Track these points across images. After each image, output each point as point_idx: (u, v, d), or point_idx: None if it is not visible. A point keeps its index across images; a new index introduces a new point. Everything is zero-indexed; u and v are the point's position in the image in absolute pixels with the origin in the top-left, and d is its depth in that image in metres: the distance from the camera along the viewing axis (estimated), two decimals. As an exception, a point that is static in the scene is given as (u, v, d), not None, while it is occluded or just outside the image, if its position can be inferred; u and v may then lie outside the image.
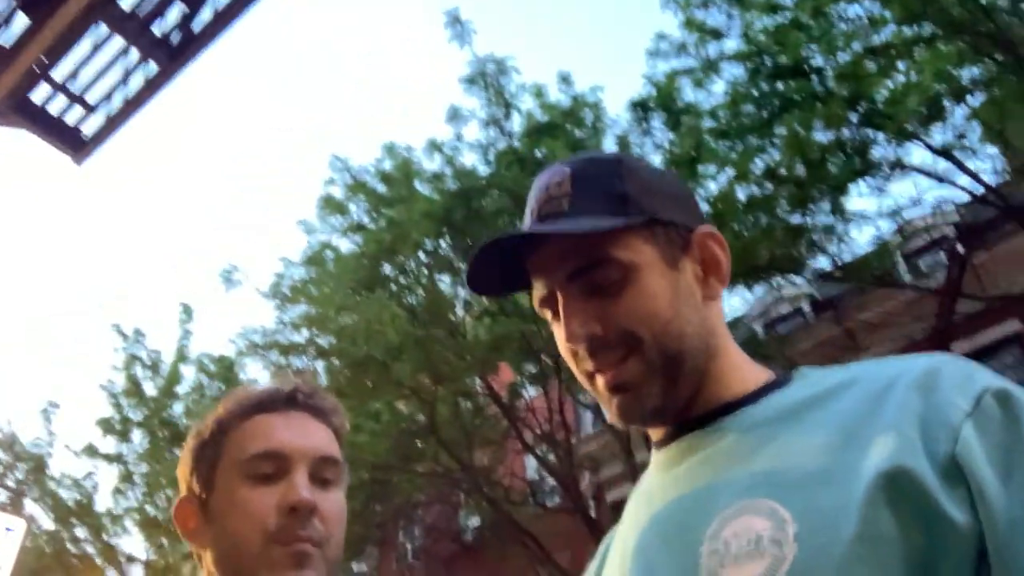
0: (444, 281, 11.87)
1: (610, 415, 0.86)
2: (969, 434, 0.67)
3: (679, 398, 0.84)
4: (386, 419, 12.00)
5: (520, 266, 0.89)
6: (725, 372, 0.86)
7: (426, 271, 11.83)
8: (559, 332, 0.86)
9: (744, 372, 0.87)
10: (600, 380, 0.84)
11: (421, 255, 11.58)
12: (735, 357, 0.88)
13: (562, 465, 12.01)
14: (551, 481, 13.43)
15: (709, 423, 0.84)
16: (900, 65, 8.71)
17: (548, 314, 0.88)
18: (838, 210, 9.50)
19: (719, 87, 9.57)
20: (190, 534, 1.03)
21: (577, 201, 0.85)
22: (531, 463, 14.28)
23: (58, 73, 3.80)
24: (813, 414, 0.77)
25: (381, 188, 11.96)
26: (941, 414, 0.69)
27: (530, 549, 11.91)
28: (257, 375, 12.65)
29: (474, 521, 16.10)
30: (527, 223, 0.89)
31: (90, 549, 15.73)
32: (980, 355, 11.09)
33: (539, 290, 0.87)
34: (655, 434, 0.90)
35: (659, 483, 0.86)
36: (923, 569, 0.65)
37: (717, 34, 9.42)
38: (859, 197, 9.71)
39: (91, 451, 15.31)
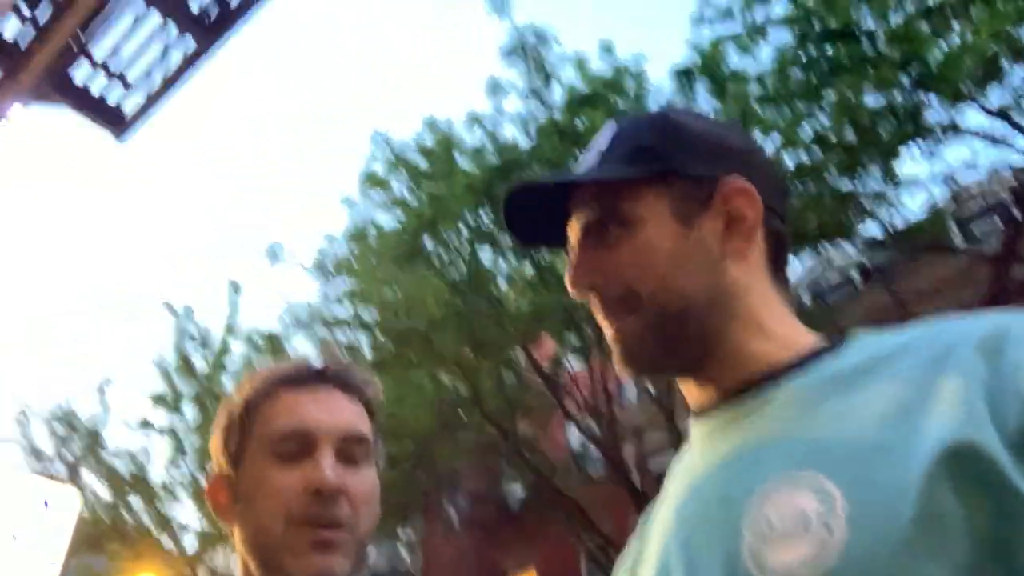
0: (485, 254, 11.86)
1: (615, 363, 0.86)
2: None
3: (681, 356, 0.82)
4: (429, 390, 12.10)
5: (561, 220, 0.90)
6: (754, 336, 0.80)
7: (468, 244, 11.82)
8: (566, 279, 0.87)
9: (787, 337, 0.81)
10: (606, 330, 0.85)
11: (462, 228, 11.56)
12: (771, 320, 0.82)
13: (605, 435, 12.00)
14: (594, 451, 13.45)
15: (751, 391, 0.78)
16: (955, 25, 8.38)
17: None
18: (889, 176, 9.24)
19: (766, 53, 9.33)
20: (221, 511, 1.02)
21: (606, 155, 0.85)
22: (574, 433, 14.31)
23: (98, 51, 3.83)
24: (867, 381, 0.70)
25: (422, 163, 11.95)
26: (1009, 380, 0.62)
27: (572, 517, 11.97)
28: (303, 349, 12.83)
29: (517, 489, 16.23)
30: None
31: (145, 518, 16.22)
32: (1037, 323, 10.78)
33: (570, 240, 0.88)
34: (694, 403, 0.85)
35: (700, 455, 0.82)
36: (994, 549, 0.59)
37: (763, -3, 9.17)
38: (911, 162, 9.44)
39: (145, 425, 15.73)
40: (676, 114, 0.89)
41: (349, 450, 0.98)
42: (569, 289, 0.86)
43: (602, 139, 0.88)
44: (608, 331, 0.84)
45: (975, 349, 0.66)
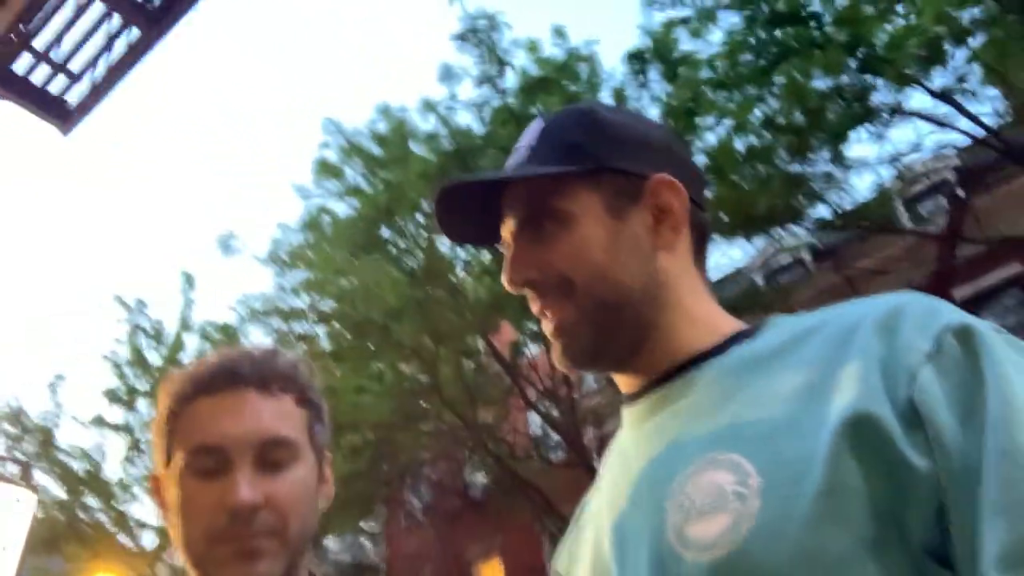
0: (443, 242, 11.83)
1: (554, 357, 0.87)
2: (928, 377, 0.65)
3: (617, 346, 0.84)
4: (389, 380, 12.06)
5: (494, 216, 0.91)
6: (681, 325, 0.84)
7: (424, 232, 11.78)
8: (503, 277, 0.89)
9: (711, 324, 0.85)
10: (543, 324, 0.86)
11: (419, 216, 11.52)
12: (696, 310, 0.86)
13: (565, 420, 12.10)
14: (555, 437, 13.55)
15: (677, 375, 0.82)
16: (899, 8, 8.55)
17: None
18: (838, 158, 9.41)
19: (716, 36, 9.43)
20: (161, 508, 1.02)
21: (536, 153, 0.86)
22: (535, 419, 14.39)
23: (39, 42, 3.72)
24: (780, 361, 0.75)
25: (376, 150, 11.86)
26: (901, 357, 0.66)
27: (535, 503, 12.06)
28: (259, 341, 12.68)
29: (479, 477, 16.28)
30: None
31: (102, 517, 15.93)
32: (982, 299, 11.10)
33: (503, 237, 0.90)
34: (625, 389, 0.89)
35: (630, 439, 0.86)
36: (890, 519, 0.63)
37: (713, -18, 9.24)
38: (859, 144, 9.61)
39: (98, 422, 15.43)
40: (602, 110, 0.90)
41: (269, 456, 0.95)
42: (506, 285, 0.87)
43: (530, 136, 0.89)
44: (546, 324, 0.86)
45: (873, 329, 0.70)
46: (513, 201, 0.87)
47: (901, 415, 0.64)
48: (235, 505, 0.91)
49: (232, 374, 0.98)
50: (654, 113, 10.05)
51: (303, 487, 0.98)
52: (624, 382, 0.88)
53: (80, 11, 3.69)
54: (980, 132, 9.43)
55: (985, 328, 0.68)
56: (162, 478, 1.02)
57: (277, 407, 0.98)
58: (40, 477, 15.44)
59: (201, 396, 0.98)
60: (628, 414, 0.88)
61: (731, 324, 0.85)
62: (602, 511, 0.84)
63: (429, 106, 11.50)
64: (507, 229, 0.88)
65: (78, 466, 15.76)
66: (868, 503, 0.63)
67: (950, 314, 0.69)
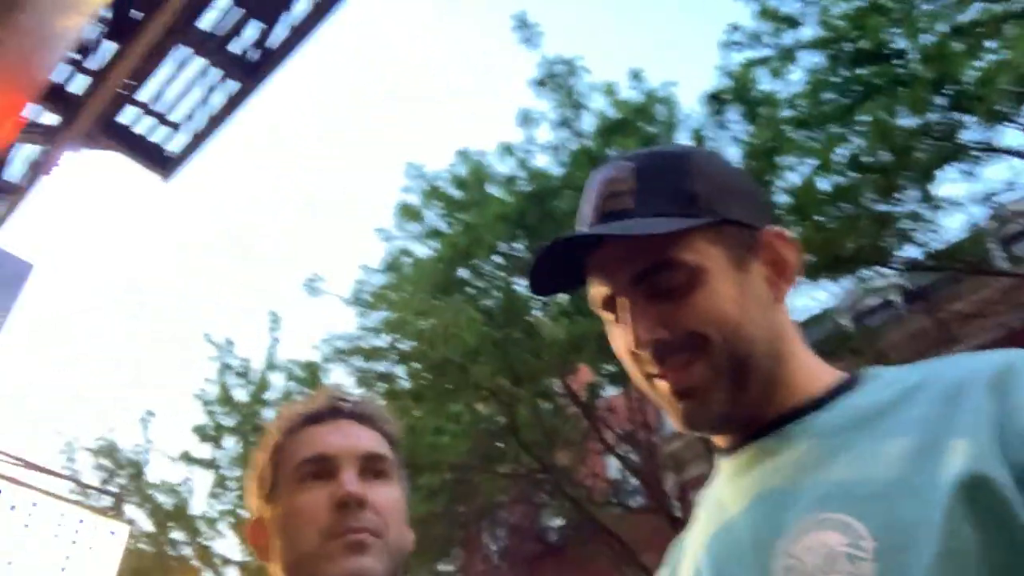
0: (520, 283, 11.88)
1: (675, 422, 0.83)
2: None
3: (748, 404, 0.80)
4: (466, 420, 12.08)
5: (577, 263, 0.86)
6: (795, 376, 0.82)
7: (502, 273, 11.86)
8: (619, 334, 0.84)
9: (814, 374, 0.83)
10: (663, 385, 0.82)
11: (496, 258, 11.61)
12: (805, 360, 0.84)
13: (645, 465, 11.88)
14: (634, 481, 13.30)
15: (777, 429, 0.80)
16: (989, 44, 8.30)
17: (608, 316, 0.86)
18: (927, 197, 9.12)
19: (797, 76, 9.31)
20: (260, 552, 1.08)
21: (643, 199, 0.82)
22: (613, 463, 14.16)
23: (143, 95, 3.96)
24: (887, 421, 0.73)
25: (455, 193, 12.06)
26: (1015, 416, 0.64)
27: (614, 550, 11.82)
28: (341, 380, 12.90)
29: (557, 521, 16.07)
30: (586, 219, 0.86)
31: (187, 551, 16.32)
32: (1086, 344, 10.51)
33: (600, 291, 0.85)
34: (721, 440, 0.86)
35: (729, 492, 0.83)
36: None
37: (793, 22, 9.15)
38: (949, 183, 9.28)
39: (187, 458, 15.87)
40: (701, 156, 0.88)
41: (370, 467, 1.06)
42: (634, 346, 0.82)
43: (623, 178, 0.84)
44: (666, 385, 0.81)
45: (985, 386, 0.68)
46: (624, 253, 0.82)
47: (1018, 478, 0.62)
48: (344, 495, 1.00)
49: (334, 408, 1.11)
50: (734, 153, 9.96)
51: (400, 503, 1.07)
52: (723, 437, 0.86)
53: (182, 65, 3.91)
54: (1079, 168, 9.02)
55: None
56: (257, 522, 1.08)
57: (374, 435, 1.10)
58: (130, 510, 15.97)
59: (307, 426, 1.09)
60: (726, 464, 0.86)
61: (831, 374, 0.84)
62: (699, 562, 0.82)
63: (507, 150, 11.65)
64: (613, 283, 0.83)
65: (166, 500, 16.22)
66: (986, 568, 0.61)
67: None
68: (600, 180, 0.86)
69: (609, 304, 0.85)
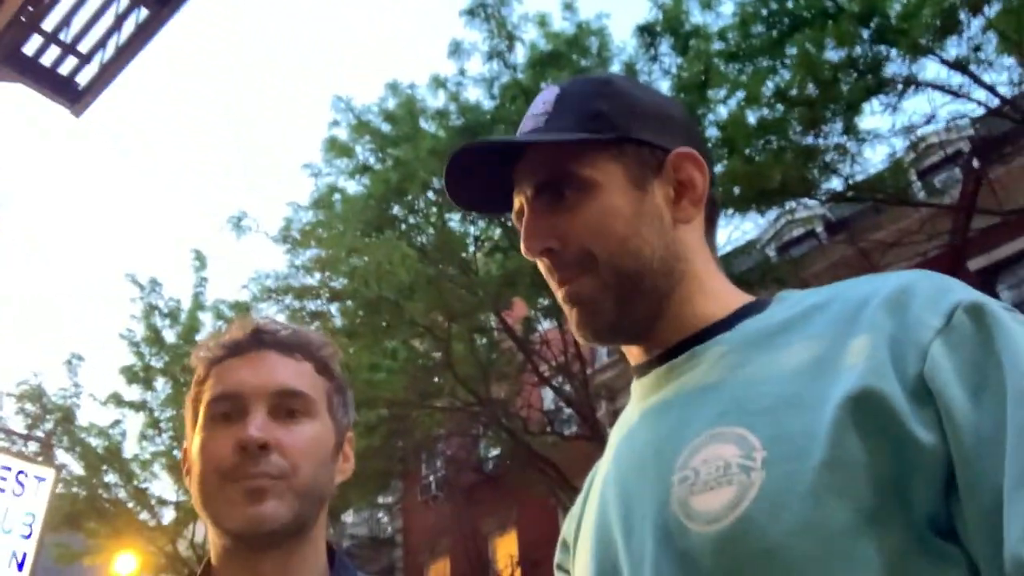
0: (454, 219, 11.81)
1: (571, 328, 0.87)
2: (938, 352, 0.65)
3: (634, 317, 0.83)
4: (403, 357, 12.11)
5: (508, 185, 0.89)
6: (695, 297, 0.84)
7: (435, 209, 11.77)
8: (522, 244, 0.87)
9: (721, 298, 0.85)
10: (560, 293, 0.85)
11: (430, 194, 11.50)
12: (709, 283, 0.86)
13: (578, 395, 12.13)
14: (568, 411, 13.60)
15: (683, 350, 0.83)
16: (913, -24, 8.41)
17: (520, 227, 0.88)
18: (851, 130, 9.31)
19: (727, 8, 9.33)
20: (186, 479, 1.06)
21: (553, 119, 0.85)
22: (548, 395, 14.44)
23: (48, 23, 3.74)
24: (786, 338, 0.75)
25: (386, 128, 11.82)
26: (911, 333, 0.67)
27: (549, 476, 12.14)
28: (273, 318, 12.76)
29: (494, 452, 16.38)
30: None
31: (122, 494, 16.15)
32: (997, 270, 11.02)
33: (515, 204, 0.88)
34: (634, 361, 0.89)
35: (637, 412, 0.86)
36: (892, 493, 0.64)
37: (723, -48, 9.12)
38: (872, 116, 9.47)
39: (116, 399, 15.58)
40: (620, 81, 0.90)
41: (284, 405, 1.01)
42: (524, 252, 0.86)
43: (545, 102, 0.87)
44: (561, 294, 0.85)
45: (882, 305, 0.70)
46: (531, 167, 0.85)
47: (910, 391, 0.64)
48: (243, 439, 0.96)
49: (257, 339, 1.06)
50: (665, 86, 9.97)
51: (315, 442, 1.02)
52: (633, 354, 0.89)
53: (88, -8, 3.70)
54: (996, 102, 9.30)
55: (996, 305, 0.68)
56: (184, 451, 1.07)
57: (296, 366, 1.05)
58: (61, 456, 15.68)
59: (228, 358, 1.05)
60: (636, 386, 0.88)
61: (740, 298, 0.86)
62: (608, 483, 0.85)
63: (438, 82, 11.43)
64: (522, 195, 0.87)
65: (97, 444, 15.96)
66: (870, 476, 0.64)
67: (961, 291, 0.69)
68: (531, 107, 0.90)
69: (520, 216, 0.88)
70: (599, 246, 0.81)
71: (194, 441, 1.02)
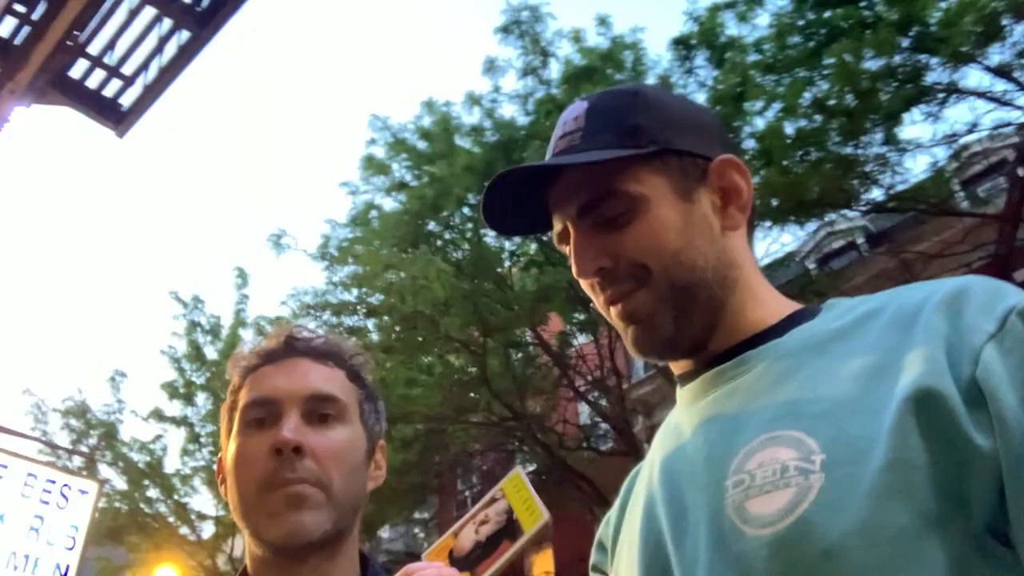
0: (489, 235, 11.83)
1: (628, 346, 0.86)
2: (991, 356, 0.65)
3: (693, 329, 0.82)
4: (438, 372, 12.14)
5: (544, 206, 0.88)
6: (747, 305, 0.84)
7: (471, 225, 11.81)
8: (573, 267, 0.86)
9: (770, 305, 0.85)
10: (614, 311, 0.84)
11: (465, 210, 11.55)
12: (759, 290, 0.85)
13: (614, 410, 12.05)
14: (604, 426, 13.51)
15: (733, 356, 0.81)
16: (953, -16, 8.30)
17: (565, 249, 0.87)
18: (891, 139, 9.18)
19: (763, 20, 9.27)
20: (221, 488, 1.06)
21: (589, 135, 0.84)
22: (584, 409, 14.36)
23: (93, 47, 3.83)
24: (841, 344, 0.74)
25: (422, 145, 11.92)
26: (965, 336, 0.66)
27: (585, 492, 12.05)
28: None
29: (530, 467, 16.32)
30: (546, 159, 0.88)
31: (162, 508, 16.36)
32: (1044, 282, 10.75)
33: (556, 226, 0.87)
34: (678, 369, 0.88)
35: (685, 417, 0.85)
36: (952, 495, 0.63)
37: (760, -35, 9.08)
38: (913, 125, 9.33)
39: (158, 415, 15.83)
40: (650, 91, 0.88)
41: (316, 410, 1.01)
42: (576, 274, 0.84)
43: (575, 118, 0.86)
44: (615, 312, 0.84)
45: (938, 310, 0.69)
46: (572, 187, 0.84)
47: (965, 394, 0.64)
48: (278, 441, 0.95)
49: (291, 346, 1.06)
50: (701, 98, 9.92)
51: (348, 447, 1.02)
52: (680, 364, 0.88)
53: (132, 16, 3.78)
54: (1041, 109, 9.11)
55: None
56: (219, 460, 1.07)
57: (328, 372, 1.05)
58: (104, 470, 15.94)
59: (262, 366, 1.05)
60: (682, 393, 0.87)
61: (790, 305, 0.85)
62: (656, 486, 0.84)
63: (473, 99, 11.51)
64: (564, 217, 0.85)
65: (139, 459, 16.20)
66: (931, 479, 0.63)
67: (1015, 295, 0.69)
68: (559, 123, 0.88)
69: (564, 238, 0.87)
70: (653, 259, 0.81)
71: (229, 448, 1.02)
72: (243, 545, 1.05)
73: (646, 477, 0.89)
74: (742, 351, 0.81)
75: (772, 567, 0.66)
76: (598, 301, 0.86)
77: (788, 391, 0.74)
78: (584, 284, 0.86)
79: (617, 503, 0.97)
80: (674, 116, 0.86)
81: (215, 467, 1.10)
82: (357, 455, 1.03)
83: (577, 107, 0.87)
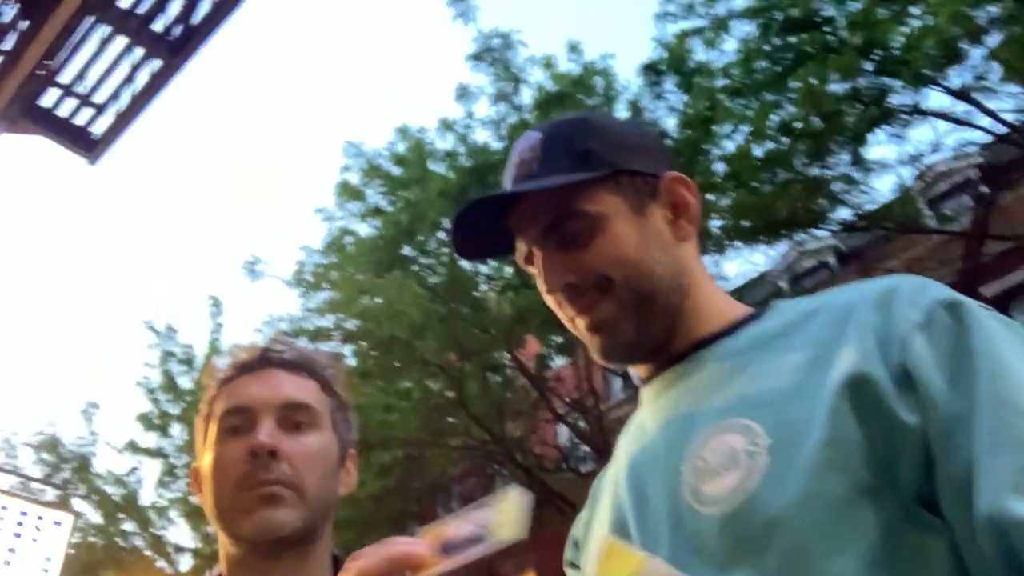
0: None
1: (593, 353, 0.91)
2: (919, 343, 0.72)
3: (654, 335, 0.88)
4: (416, 396, 12.11)
5: (506, 231, 0.93)
6: (701, 308, 0.90)
7: (446, 249, 11.85)
8: (539, 284, 0.91)
9: (722, 308, 0.91)
10: (580, 322, 0.89)
11: (440, 234, 11.60)
12: (711, 294, 0.92)
13: (593, 431, 12.07)
14: (584, 447, 13.50)
15: (691, 355, 0.88)
16: (913, 10, 8.52)
17: (532, 269, 0.93)
18: (857, 160, 9.37)
19: (730, 45, 9.46)
20: (199, 498, 1.10)
21: (546, 162, 0.90)
22: (563, 431, 14.35)
23: (65, 76, 3.85)
24: (784, 340, 0.81)
25: (396, 170, 11.98)
26: (895, 327, 0.73)
27: (566, 514, 12.01)
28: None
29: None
30: (503, 188, 0.94)
31: (139, 542, 16.11)
32: (1011, 296, 10.94)
33: (521, 249, 0.93)
34: (642, 372, 0.94)
35: (647, 414, 0.91)
36: (883, 468, 0.69)
37: (725, -8, 9.27)
38: (878, 145, 9.54)
39: (133, 447, 15.63)
40: (599, 118, 0.97)
41: (290, 417, 1.05)
42: (545, 291, 0.90)
43: (531, 147, 0.92)
44: (582, 323, 0.89)
45: (870, 305, 0.77)
46: (534, 210, 0.89)
47: (894, 378, 0.70)
48: (255, 445, 1.00)
49: (266, 358, 1.11)
50: (671, 123, 10.08)
51: (320, 452, 1.06)
52: (643, 368, 0.94)
53: (103, 44, 3.81)
54: (1002, 129, 9.34)
55: (972, 303, 0.75)
56: (194, 471, 1.11)
57: (302, 382, 1.10)
58: (77, 504, 15.69)
59: (238, 377, 1.09)
60: (644, 391, 0.93)
61: (740, 309, 0.92)
62: (620, 479, 0.90)
63: (447, 125, 11.61)
64: (528, 239, 0.91)
65: (114, 491, 15.96)
66: (864, 453, 0.70)
67: (939, 290, 0.76)
68: (513, 151, 0.95)
69: (530, 259, 0.93)
70: (615, 271, 0.86)
71: (205, 457, 1.06)
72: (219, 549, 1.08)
73: (612, 474, 0.95)
74: (698, 351, 0.88)
75: (724, 541, 0.72)
76: (565, 314, 0.91)
77: (737, 384, 0.81)
78: (551, 300, 0.92)
79: (588, 502, 1.04)
80: (622, 139, 0.92)
81: (195, 501, 1.12)
82: (329, 461, 1.07)
83: (532, 136, 0.93)
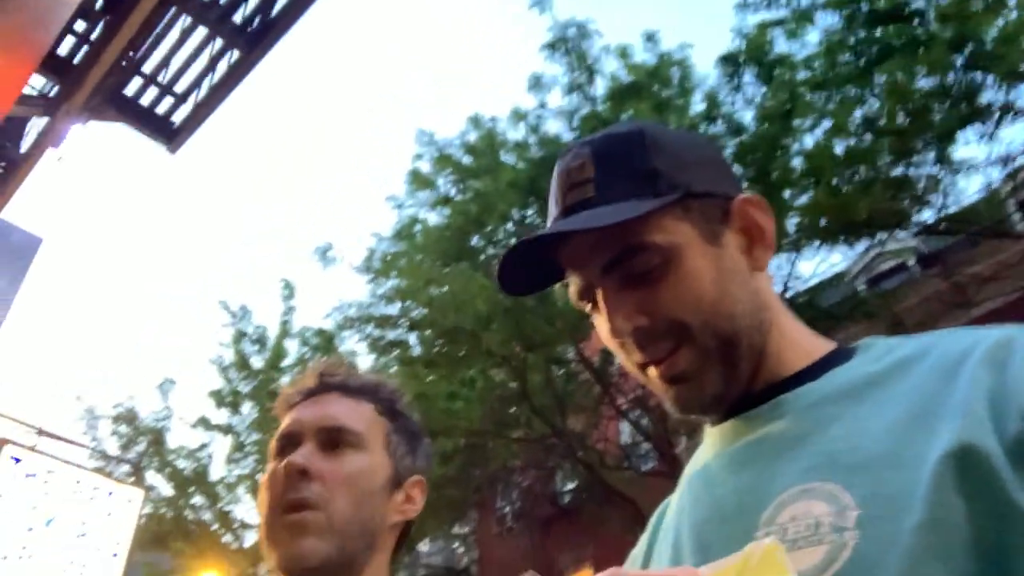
0: (532, 250, 11.83)
1: (668, 406, 0.81)
2: None
3: (740, 381, 0.79)
4: (480, 386, 12.14)
5: (551, 260, 0.83)
6: (782, 346, 0.80)
7: (514, 240, 11.83)
8: (601, 324, 0.81)
9: (803, 345, 0.81)
10: (653, 371, 0.79)
11: (509, 225, 11.58)
12: (791, 329, 0.82)
13: (656, 430, 11.92)
14: (646, 445, 13.37)
15: (765, 398, 0.78)
16: (1009, 1, 8.12)
17: (587, 306, 0.83)
18: (944, 160, 8.99)
19: (813, 37, 9.16)
20: None
21: (603, 185, 0.79)
22: (625, 428, 14.23)
23: (147, 67, 3.93)
24: (880, 392, 0.71)
25: (467, 160, 11.99)
26: (1012, 391, 0.63)
27: (626, 512, 11.92)
28: (354, 347, 12.98)
29: (569, 485, 16.20)
30: (553, 213, 0.83)
31: (207, 516, 16.59)
32: (1104, 307, 10.39)
33: (575, 283, 0.82)
34: None
35: (716, 461, 0.82)
36: (992, 557, 0.59)
37: (810, -19, 8.98)
38: (966, 145, 9.13)
39: (205, 423, 16.08)
40: (657, 129, 0.84)
41: (329, 438, 1.07)
42: (609, 335, 0.80)
43: (579, 165, 0.81)
44: (654, 372, 0.79)
45: (982, 360, 0.66)
46: (593, 242, 0.78)
47: (1010, 452, 0.60)
48: (287, 464, 1.02)
49: (324, 382, 1.14)
50: (748, 116, 9.84)
51: (359, 474, 1.06)
52: None
53: (184, 36, 3.88)
54: (1102, 129, 8.86)
55: None
56: None
57: (352, 405, 1.11)
58: (150, 477, 16.24)
59: (299, 403, 1.13)
60: (712, 433, 0.84)
61: (823, 345, 0.82)
62: (683, 529, 0.81)
63: (519, 115, 11.55)
64: (585, 274, 0.81)
65: (185, 466, 16.46)
66: (970, 540, 0.60)
67: None
68: (560, 171, 0.83)
69: (586, 295, 0.83)
70: (692, 315, 0.76)
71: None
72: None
73: (674, 521, 0.86)
74: (776, 394, 0.78)
75: None
76: (629, 360, 0.81)
77: (823, 440, 0.71)
78: (612, 344, 0.82)
79: (645, 540, 0.94)
80: (686, 155, 0.81)
81: (261, 479, 1.14)
82: (371, 482, 1.06)
83: (580, 153, 0.81)
